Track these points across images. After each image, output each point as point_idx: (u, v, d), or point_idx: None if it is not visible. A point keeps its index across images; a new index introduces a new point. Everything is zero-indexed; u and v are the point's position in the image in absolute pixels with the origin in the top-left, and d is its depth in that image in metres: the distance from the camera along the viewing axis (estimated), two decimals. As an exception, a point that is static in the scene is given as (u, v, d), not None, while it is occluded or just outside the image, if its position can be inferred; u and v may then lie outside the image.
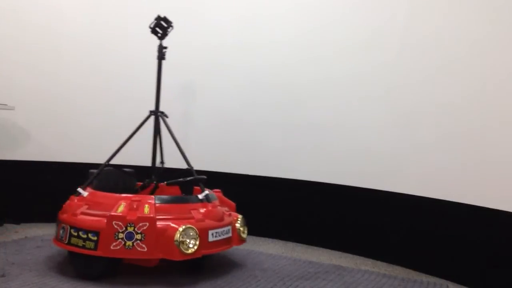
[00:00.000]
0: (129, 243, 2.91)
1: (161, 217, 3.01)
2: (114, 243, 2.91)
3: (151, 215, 2.97)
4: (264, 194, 4.68)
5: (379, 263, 4.03)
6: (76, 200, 3.31)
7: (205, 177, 3.55)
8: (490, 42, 3.47)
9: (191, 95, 5.03)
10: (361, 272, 3.64)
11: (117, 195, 3.19)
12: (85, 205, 3.18)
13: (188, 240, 2.95)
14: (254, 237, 4.44)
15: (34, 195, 4.71)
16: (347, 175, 4.31)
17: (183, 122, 4.89)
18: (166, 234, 2.94)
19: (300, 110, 4.60)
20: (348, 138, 4.33)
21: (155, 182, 3.94)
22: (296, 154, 4.62)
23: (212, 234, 3.14)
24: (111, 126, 4.99)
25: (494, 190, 3.36)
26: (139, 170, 4.03)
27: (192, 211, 3.16)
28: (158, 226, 2.96)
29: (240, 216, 3.54)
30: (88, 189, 3.41)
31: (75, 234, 3.03)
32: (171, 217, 3.05)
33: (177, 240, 2.92)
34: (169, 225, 2.98)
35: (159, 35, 3.97)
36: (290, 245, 4.52)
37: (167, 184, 3.62)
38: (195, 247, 2.97)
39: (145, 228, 2.93)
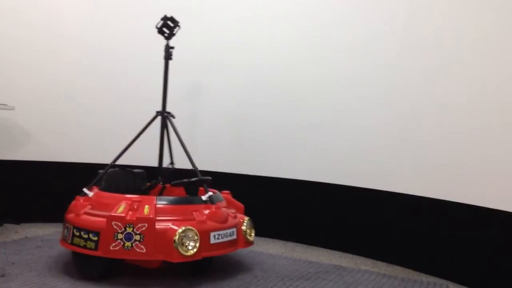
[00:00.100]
0: (128, 243, 2.90)
1: (161, 218, 2.99)
2: (114, 244, 2.91)
3: (150, 216, 2.95)
4: (264, 194, 4.67)
5: (379, 263, 4.03)
6: (81, 201, 3.31)
7: (210, 178, 3.51)
8: (490, 42, 3.47)
9: (192, 95, 5.03)
10: (361, 272, 3.64)
11: (120, 195, 3.19)
12: (89, 206, 3.18)
13: (187, 242, 2.92)
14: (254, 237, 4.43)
15: (34, 195, 4.72)
16: (347, 175, 4.31)
17: (188, 122, 4.87)
18: (165, 236, 2.92)
19: (300, 110, 4.59)
20: (348, 138, 4.32)
21: (161, 183, 3.92)
22: (296, 154, 4.61)
23: (214, 236, 3.10)
24: (111, 126, 5.00)
25: (494, 190, 3.36)
26: (146, 171, 4.02)
27: (194, 213, 3.12)
28: (157, 227, 2.94)
29: (246, 218, 3.47)
30: (95, 189, 3.42)
31: (77, 234, 3.04)
32: (172, 218, 3.02)
33: (176, 242, 2.89)
34: (169, 226, 2.96)
35: (165, 35, 3.95)
36: (290, 245, 4.51)
37: (172, 185, 3.59)
38: (195, 249, 2.94)
39: (144, 229, 2.92)
